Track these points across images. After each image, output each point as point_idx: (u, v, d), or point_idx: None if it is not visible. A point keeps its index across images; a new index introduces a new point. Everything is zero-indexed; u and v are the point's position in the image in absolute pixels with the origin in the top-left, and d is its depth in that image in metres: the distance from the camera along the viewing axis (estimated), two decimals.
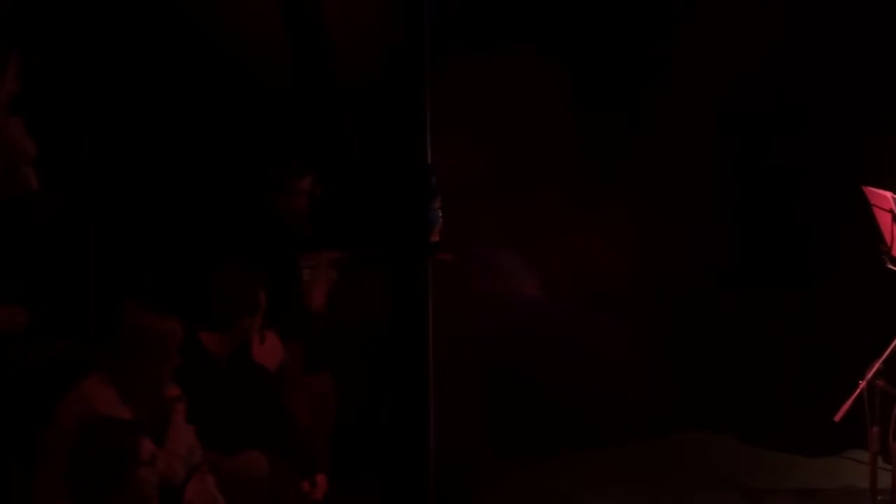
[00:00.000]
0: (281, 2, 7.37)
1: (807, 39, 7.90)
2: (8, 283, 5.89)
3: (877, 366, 6.37)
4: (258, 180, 7.17)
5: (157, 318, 5.64)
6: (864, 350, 6.55)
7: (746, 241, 8.24)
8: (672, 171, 8.03)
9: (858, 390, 6.33)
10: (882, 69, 7.84)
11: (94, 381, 5.56)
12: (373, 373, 7.23)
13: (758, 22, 7.88)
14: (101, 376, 5.56)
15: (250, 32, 7.20)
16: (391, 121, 7.18)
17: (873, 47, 7.84)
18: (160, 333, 5.63)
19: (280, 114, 7.37)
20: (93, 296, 6.62)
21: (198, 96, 7.18)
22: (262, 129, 7.31)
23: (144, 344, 5.60)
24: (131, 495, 4.95)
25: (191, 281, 6.51)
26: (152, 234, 6.98)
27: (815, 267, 8.06)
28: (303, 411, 6.66)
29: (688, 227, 8.06)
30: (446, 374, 7.17)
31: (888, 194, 6.55)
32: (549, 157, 7.87)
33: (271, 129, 7.34)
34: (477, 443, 7.56)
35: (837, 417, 6.35)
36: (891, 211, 6.51)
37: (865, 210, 6.76)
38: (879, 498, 6.60)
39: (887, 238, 6.61)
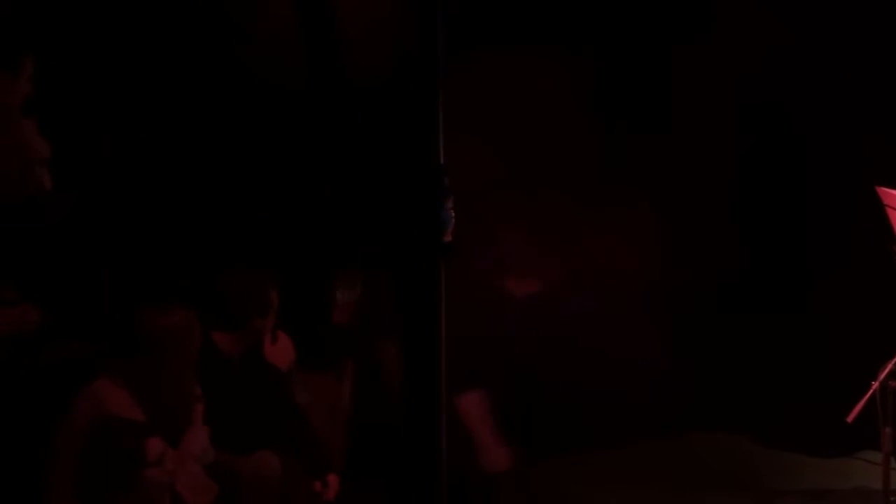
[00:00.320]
0: (294, 1, 7.39)
1: (815, 42, 7.90)
2: (21, 282, 5.91)
3: (889, 366, 6.37)
4: (270, 180, 7.19)
5: (173, 316, 5.65)
6: (876, 351, 6.55)
7: (760, 241, 8.24)
8: (687, 171, 8.02)
9: (871, 391, 6.33)
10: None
11: (105, 381, 5.58)
12: (384, 373, 7.23)
13: (773, 22, 7.88)
14: (113, 376, 5.58)
15: (263, 33, 7.21)
16: (404, 120, 7.17)
17: (879, 49, 7.84)
18: (176, 331, 5.65)
19: (293, 113, 7.38)
20: (106, 296, 6.63)
21: (210, 95, 7.20)
22: (274, 129, 7.33)
23: (161, 343, 5.61)
24: (139, 495, 4.97)
25: (203, 281, 6.52)
26: (165, 234, 6.99)
27: (828, 268, 8.05)
28: (314, 411, 6.67)
29: (702, 227, 8.06)
30: (459, 374, 7.16)
31: None
32: (561, 158, 7.86)
33: (283, 129, 7.35)
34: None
35: (850, 418, 6.34)
36: None
37: (878, 210, 6.75)
38: (892, 499, 6.59)
39: None
